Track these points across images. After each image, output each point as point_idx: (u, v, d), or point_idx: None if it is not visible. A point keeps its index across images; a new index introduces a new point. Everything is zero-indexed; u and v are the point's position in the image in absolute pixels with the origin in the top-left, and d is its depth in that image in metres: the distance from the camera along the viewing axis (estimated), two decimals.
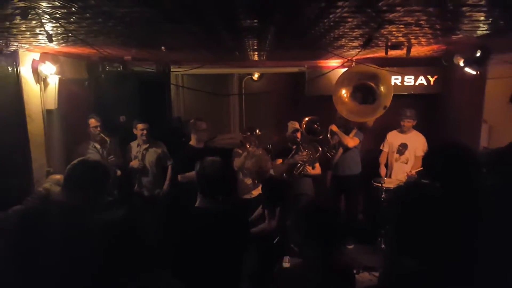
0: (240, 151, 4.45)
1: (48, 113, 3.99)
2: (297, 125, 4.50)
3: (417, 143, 4.91)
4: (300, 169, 4.39)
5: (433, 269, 1.42)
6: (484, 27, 2.69)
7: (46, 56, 3.82)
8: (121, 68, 4.74)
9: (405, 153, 4.96)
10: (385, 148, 5.16)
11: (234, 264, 2.40)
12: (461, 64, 3.91)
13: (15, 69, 3.53)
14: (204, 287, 2.21)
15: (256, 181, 3.71)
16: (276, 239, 3.13)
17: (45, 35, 2.60)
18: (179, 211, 2.93)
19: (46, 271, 1.64)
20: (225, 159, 4.37)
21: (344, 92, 4.18)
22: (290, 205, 3.06)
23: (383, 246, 4.61)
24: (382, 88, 4.12)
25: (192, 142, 4.45)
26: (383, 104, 4.09)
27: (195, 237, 2.21)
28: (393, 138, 5.09)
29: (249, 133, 4.47)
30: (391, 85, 4.39)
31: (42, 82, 3.89)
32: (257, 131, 4.47)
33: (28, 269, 1.66)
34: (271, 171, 3.62)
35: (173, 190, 4.65)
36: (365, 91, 4.25)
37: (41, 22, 2.35)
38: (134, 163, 4.62)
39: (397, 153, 5.02)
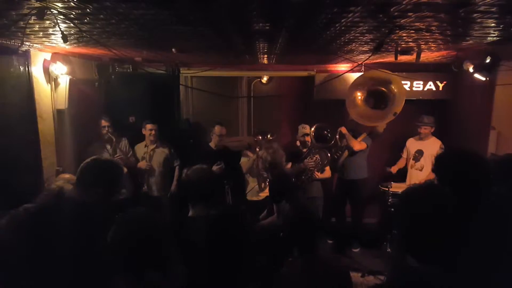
0: (249, 154, 4.47)
1: (58, 113, 4.02)
2: (307, 129, 4.51)
3: (434, 150, 4.82)
4: (309, 174, 4.40)
5: (442, 275, 1.41)
6: (494, 33, 2.70)
7: (57, 56, 3.86)
8: (131, 69, 4.80)
9: (421, 159, 4.92)
10: (404, 154, 5.17)
11: (232, 268, 2.35)
12: (471, 70, 3.91)
13: (26, 69, 3.56)
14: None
15: (268, 174, 3.70)
16: (282, 233, 3.12)
17: (59, 35, 2.63)
18: (176, 221, 2.85)
19: (57, 269, 1.66)
20: (234, 161, 4.46)
21: (358, 95, 4.21)
22: (298, 200, 3.05)
23: (389, 250, 4.61)
24: (395, 94, 4.13)
25: (212, 144, 4.55)
26: (393, 110, 4.10)
27: (189, 246, 2.17)
28: (411, 145, 5.08)
29: (260, 137, 4.49)
30: (404, 92, 4.39)
31: (53, 82, 3.93)
32: (268, 135, 4.49)
33: (40, 267, 1.68)
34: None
35: (181, 190, 4.67)
36: (378, 96, 4.27)
37: (55, 22, 2.38)
38: (142, 164, 4.65)
39: (413, 159, 4.99)
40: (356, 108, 4.21)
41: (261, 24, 2.49)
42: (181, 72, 5.20)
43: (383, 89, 4.14)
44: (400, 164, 5.16)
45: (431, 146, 4.88)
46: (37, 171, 3.65)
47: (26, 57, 3.54)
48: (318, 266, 1.94)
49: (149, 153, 4.68)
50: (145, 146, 4.71)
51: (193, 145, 4.72)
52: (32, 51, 3.58)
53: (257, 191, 4.42)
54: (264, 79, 6.13)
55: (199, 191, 2.34)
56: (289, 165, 4.41)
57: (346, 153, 4.88)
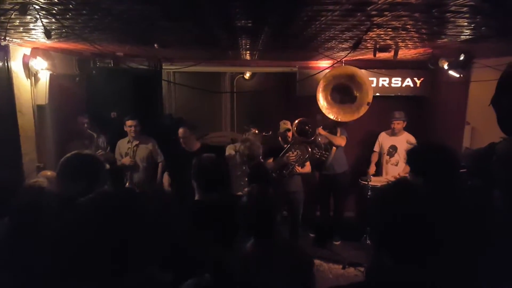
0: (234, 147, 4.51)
1: (38, 108, 3.97)
2: (288, 125, 4.58)
3: (407, 145, 4.94)
4: (290, 169, 4.48)
5: (410, 267, 1.47)
6: (467, 32, 2.81)
7: (37, 51, 3.81)
8: (112, 64, 4.76)
9: (395, 155, 5.07)
10: (376, 148, 5.29)
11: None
12: (445, 67, 4.05)
13: (5, 64, 3.50)
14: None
15: (246, 166, 3.77)
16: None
17: (40, 30, 2.62)
18: (177, 206, 2.96)
19: (45, 264, 1.67)
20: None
21: (327, 95, 4.32)
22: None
23: (368, 242, 4.74)
24: (360, 86, 4.25)
25: (183, 144, 4.37)
26: (365, 101, 4.22)
27: (195, 229, 2.24)
28: (384, 140, 5.20)
29: (248, 131, 4.54)
30: (369, 82, 4.54)
31: (33, 77, 3.87)
32: (256, 130, 4.54)
33: (29, 262, 1.69)
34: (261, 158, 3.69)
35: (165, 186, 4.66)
36: (346, 91, 4.38)
37: (36, 17, 2.36)
38: (126, 160, 4.63)
39: (387, 155, 5.13)
40: (331, 109, 4.32)
41: (243, 21, 2.53)
42: (163, 67, 5.20)
43: (347, 83, 4.26)
44: (374, 158, 5.30)
45: (404, 141, 5.02)
46: (17, 167, 3.61)
47: (5, 52, 3.49)
48: (278, 250, 1.95)
49: (133, 148, 4.66)
50: (128, 141, 4.69)
51: (175, 141, 4.71)
52: (11, 46, 3.53)
53: (243, 185, 4.46)
54: (247, 75, 6.19)
55: (211, 177, 2.51)
56: (271, 160, 4.48)
57: (334, 149, 4.96)
